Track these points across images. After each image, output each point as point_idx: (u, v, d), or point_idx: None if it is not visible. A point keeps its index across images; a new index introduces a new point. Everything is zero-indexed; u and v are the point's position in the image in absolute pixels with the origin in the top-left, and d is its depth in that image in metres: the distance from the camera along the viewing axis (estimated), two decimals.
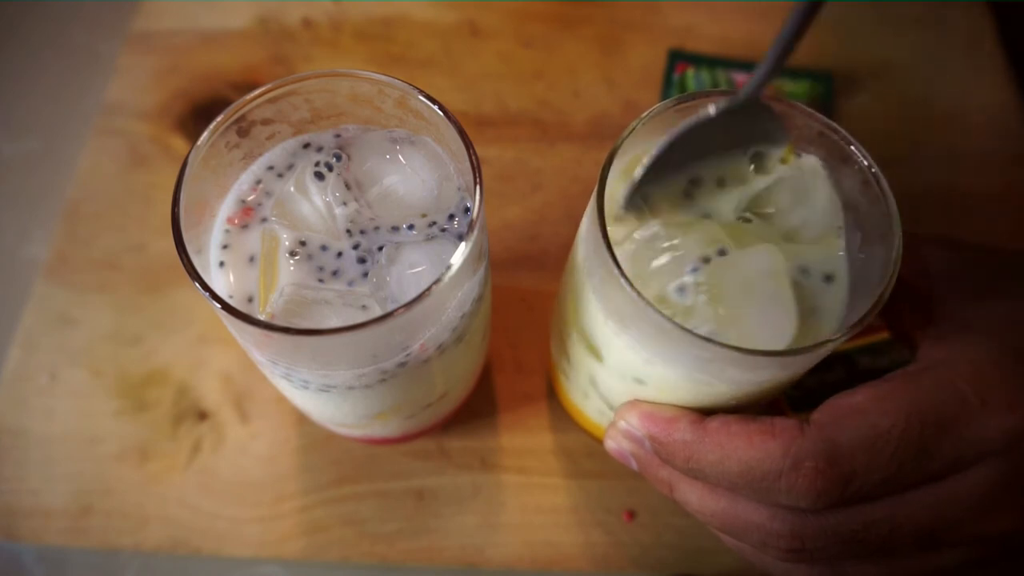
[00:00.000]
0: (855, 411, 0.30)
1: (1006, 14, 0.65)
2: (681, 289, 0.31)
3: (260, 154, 0.36)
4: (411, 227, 0.33)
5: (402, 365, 0.32)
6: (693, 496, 0.34)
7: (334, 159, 0.34)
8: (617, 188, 0.33)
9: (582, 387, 0.40)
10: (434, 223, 0.33)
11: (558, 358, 0.42)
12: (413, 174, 0.34)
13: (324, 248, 0.33)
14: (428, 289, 0.28)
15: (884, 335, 0.48)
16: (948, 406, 0.29)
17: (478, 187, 0.30)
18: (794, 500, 0.29)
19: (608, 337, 0.33)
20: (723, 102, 0.31)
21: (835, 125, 0.32)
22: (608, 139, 0.50)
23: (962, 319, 0.32)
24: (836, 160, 0.33)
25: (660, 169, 0.32)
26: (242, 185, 0.35)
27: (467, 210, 0.34)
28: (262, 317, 0.31)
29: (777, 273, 0.31)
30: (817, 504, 0.29)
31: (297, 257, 0.33)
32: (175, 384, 0.50)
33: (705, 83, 0.60)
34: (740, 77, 0.61)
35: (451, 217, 0.33)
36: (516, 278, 0.54)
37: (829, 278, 0.32)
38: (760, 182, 0.33)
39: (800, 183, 0.33)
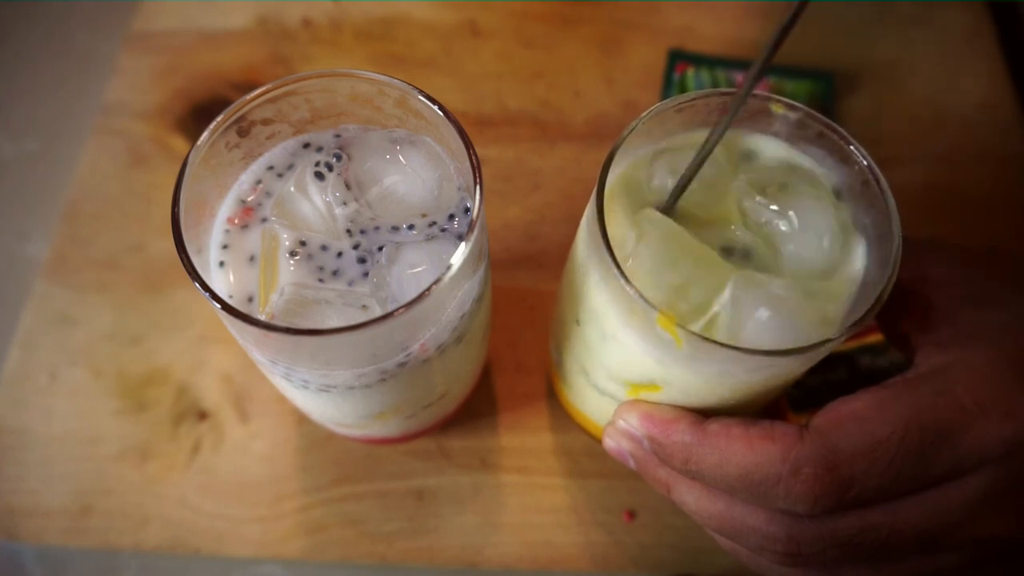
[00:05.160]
0: (855, 418, 0.30)
1: (1005, 14, 0.65)
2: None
3: (260, 154, 0.36)
4: (411, 227, 0.33)
5: (402, 365, 0.32)
6: (691, 497, 0.34)
7: (334, 159, 0.34)
8: (621, 187, 0.33)
9: (581, 386, 0.40)
10: (434, 223, 0.33)
11: (557, 357, 0.42)
12: (413, 174, 0.34)
13: (324, 248, 0.33)
14: (428, 289, 0.28)
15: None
16: (947, 414, 0.29)
17: (478, 187, 0.30)
18: (792, 505, 0.30)
19: (607, 337, 0.33)
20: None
21: (835, 125, 0.32)
22: (608, 139, 0.50)
23: (962, 326, 0.32)
24: (836, 160, 0.33)
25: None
26: (242, 185, 0.35)
27: (467, 210, 0.34)
28: (262, 317, 0.31)
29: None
30: (815, 509, 0.29)
31: (297, 257, 0.33)
32: (175, 384, 0.50)
33: (705, 83, 0.60)
34: (740, 77, 0.61)
35: (451, 217, 0.33)
36: (516, 278, 0.54)
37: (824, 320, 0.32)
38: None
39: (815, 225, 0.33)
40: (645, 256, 0.31)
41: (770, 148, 0.35)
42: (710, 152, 0.30)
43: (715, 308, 0.31)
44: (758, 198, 0.33)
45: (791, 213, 0.33)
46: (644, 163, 0.34)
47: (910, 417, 0.29)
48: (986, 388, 0.29)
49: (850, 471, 0.29)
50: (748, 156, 0.35)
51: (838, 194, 0.34)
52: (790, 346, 0.28)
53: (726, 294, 0.31)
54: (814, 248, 0.32)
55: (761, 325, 0.30)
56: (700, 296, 0.31)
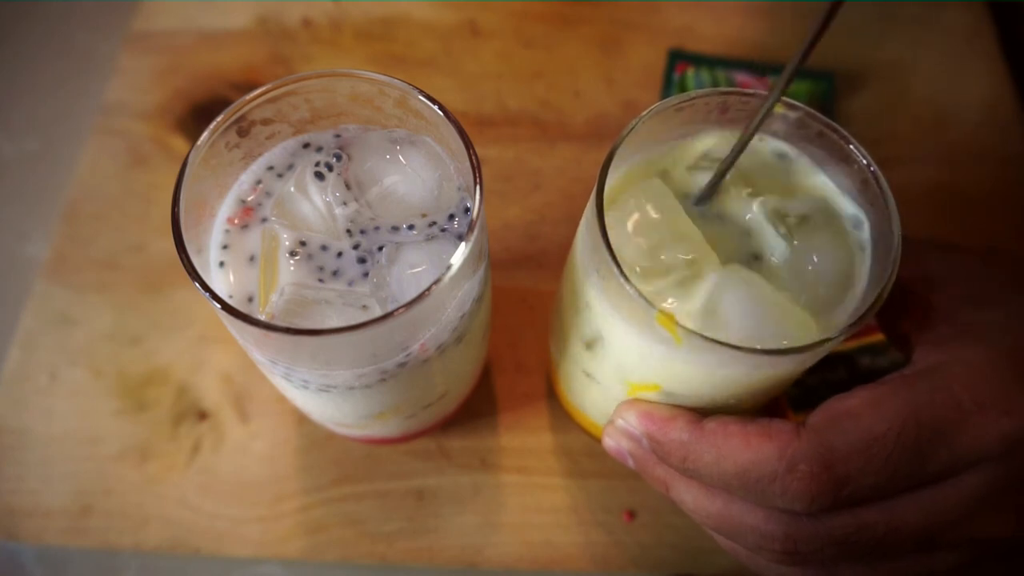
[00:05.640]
0: (851, 415, 0.30)
1: (1005, 14, 0.65)
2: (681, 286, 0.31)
3: (260, 154, 0.36)
4: (411, 227, 0.33)
5: (402, 365, 0.32)
6: (689, 496, 0.34)
7: (334, 159, 0.34)
8: (651, 184, 0.34)
9: (581, 386, 0.40)
10: (434, 223, 0.33)
11: (558, 357, 0.42)
12: (413, 174, 0.34)
13: (324, 248, 0.33)
14: (428, 289, 0.28)
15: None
16: (944, 411, 0.29)
17: (478, 187, 0.30)
18: (789, 503, 0.29)
19: (607, 336, 0.33)
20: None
21: (835, 125, 0.32)
22: (608, 139, 0.50)
23: (960, 324, 0.32)
24: (836, 160, 0.33)
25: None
26: (242, 185, 0.35)
27: (467, 210, 0.34)
28: (262, 317, 0.31)
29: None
30: (811, 507, 0.29)
31: (297, 257, 0.33)
32: (175, 384, 0.50)
33: (705, 83, 0.60)
34: (740, 77, 0.61)
35: (451, 217, 0.33)
36: (516, 278, 0.54)
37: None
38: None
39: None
40: (630, 214, 0.32)
41: (808, 178, 0.35)
42: (743, 149, 0.30)
43: (699, 293, 0.31)
44: (776, 223, 0.33)
45: (800, 246, 0.32)
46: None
47: (907, 414, 0.29)
48: (984, 386, 0.29)
49: (846, 468, 0.29)
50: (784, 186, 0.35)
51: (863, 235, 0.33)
52: (767, 339, 0.28)
53: (708, 282, 0.31)
54: (812, 288, 0.32)
55: (736, 316, 0.30)
56: (669, 262, 0.31)
